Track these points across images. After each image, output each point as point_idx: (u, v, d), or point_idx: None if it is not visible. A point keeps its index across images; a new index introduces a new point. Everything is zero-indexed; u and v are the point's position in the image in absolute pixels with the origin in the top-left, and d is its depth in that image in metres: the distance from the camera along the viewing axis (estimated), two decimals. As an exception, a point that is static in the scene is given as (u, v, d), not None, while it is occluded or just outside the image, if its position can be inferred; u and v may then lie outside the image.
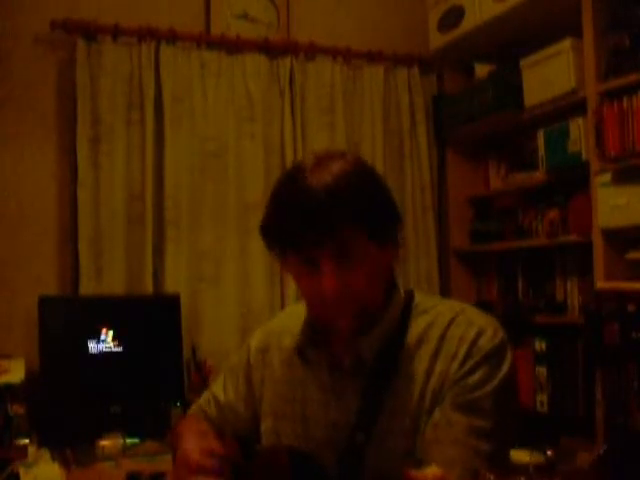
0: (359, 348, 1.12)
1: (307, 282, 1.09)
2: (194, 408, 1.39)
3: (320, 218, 1.03)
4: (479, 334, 1.09)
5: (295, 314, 1.24)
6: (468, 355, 1.07)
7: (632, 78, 2.31)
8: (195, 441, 1.12)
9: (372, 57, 3.14)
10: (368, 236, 1.05)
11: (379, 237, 1.07)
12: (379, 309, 1.13)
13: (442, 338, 1.10)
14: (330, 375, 1.16)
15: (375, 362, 1.12)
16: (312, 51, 3.04)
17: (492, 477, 0.61)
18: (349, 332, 1.12)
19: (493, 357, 1.07)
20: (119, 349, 2.51)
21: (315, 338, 1.17)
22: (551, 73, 2.63)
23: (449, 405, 1.06)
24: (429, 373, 1.09)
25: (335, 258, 1.05)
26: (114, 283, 2.69)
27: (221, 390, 1.34)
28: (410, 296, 1.19)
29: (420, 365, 1.10)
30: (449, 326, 1.11)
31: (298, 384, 1.20)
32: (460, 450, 1.03)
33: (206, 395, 1.38)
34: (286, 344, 1.25)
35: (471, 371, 1.06)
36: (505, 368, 1.08)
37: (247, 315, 2.86)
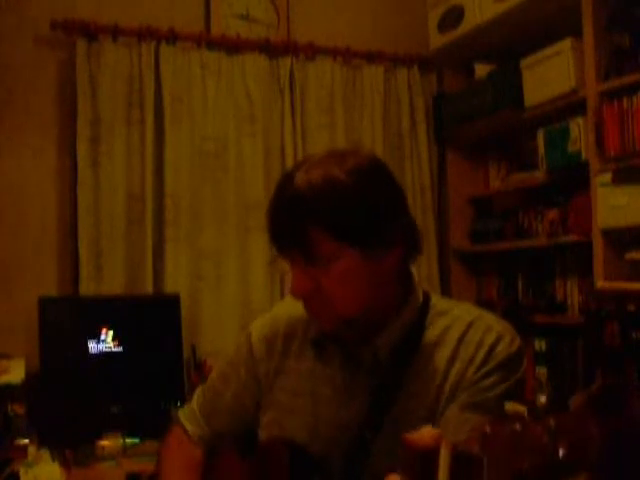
0: (375, 346, 1.12)
1: None
2: (187, 412, 1.35)
3: (285, 220, 1.05)
4: (497, 340, 1.09)
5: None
6: (485, 360, 1.08)
7: (632, 78, 2.31)
8: None
9: (372, 57, 3.14)
10: (341, 243, 1.03)
11: (360, 245, 1.04)
12: (389, 310, 1.12)
13: (460, 341, 1.11)
14: (343, 372, 1.15)
15: (390, 361, 1.12)
16: (312, 51, 3.04)
17: (488, 426, 0.61)
18: (336, 333, 1.12)
19: (509, 364, 1.09)
20: (119, 349, 2.51)
21: (332, 333, 1.14)
22: (551, 73, 2.63)
23: (462, 405, 1.06)
24: (445, 375, 1.09)
25: (303, 261, 1.05)
26: (114, 283, 2.69)
27: (222, 385, 1.30)
28: (427, 298, 1.18)
29: (437, 367, 1.10)
30: (468, 330, 1.11)
31: (308, 377, 1.18)
32: None
33: (199, 393, 1.34)
34: (296, 332, 1.22)
35: (486, 375, 1.07)
36: (519, 375, 1.09)
37: (247, 315, 2.85)
